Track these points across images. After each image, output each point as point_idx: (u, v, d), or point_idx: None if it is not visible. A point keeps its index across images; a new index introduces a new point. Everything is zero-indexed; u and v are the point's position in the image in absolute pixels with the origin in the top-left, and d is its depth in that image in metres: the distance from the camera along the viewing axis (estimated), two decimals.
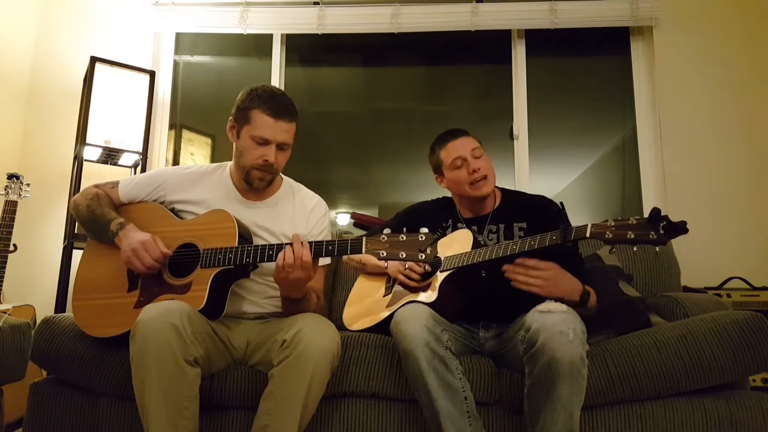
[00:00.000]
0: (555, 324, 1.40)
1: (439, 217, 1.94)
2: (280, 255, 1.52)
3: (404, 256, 1.42)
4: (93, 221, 1.73)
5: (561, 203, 1.55)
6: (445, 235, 1.89)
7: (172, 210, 1.78)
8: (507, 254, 1.61)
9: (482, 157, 1.88)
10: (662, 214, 1.38)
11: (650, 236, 1.38)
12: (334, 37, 3.21)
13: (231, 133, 1.76)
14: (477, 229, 1.88)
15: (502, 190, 1.98)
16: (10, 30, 3.05)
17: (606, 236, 1.44)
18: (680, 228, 1.37)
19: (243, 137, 1.71)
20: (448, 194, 2.02)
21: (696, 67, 2.97)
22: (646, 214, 3.12)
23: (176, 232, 1.69)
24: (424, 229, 1.44)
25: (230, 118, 1.75)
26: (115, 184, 1.82)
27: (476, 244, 1.75)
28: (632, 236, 1.41)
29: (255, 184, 1.74)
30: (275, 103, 1.69)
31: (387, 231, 1.45)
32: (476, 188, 1.84)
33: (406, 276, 1.80)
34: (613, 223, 1.44)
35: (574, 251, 1.78)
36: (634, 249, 1.45)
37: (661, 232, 1.38)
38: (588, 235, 1.47)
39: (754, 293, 2.50)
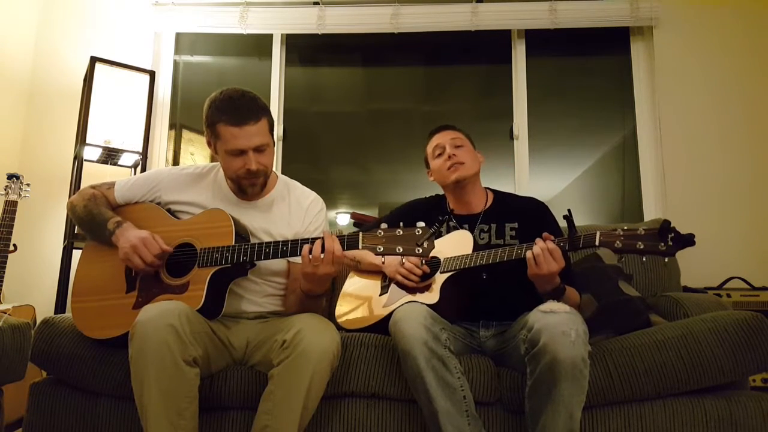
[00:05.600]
0: (557, 324, 1.40)
1: (432, 213, 1.93)
2: (305, 248, 1.51)
3: (401, 250, 1.42)
4: (90, 221, 1.73)
5: (569, 210, 1.56)
6: (441, 228, 1.88)
7: (168, 210, 1.77)
8: (512, 258, 1.62)
9: (463, 148, 1.93)
10: (671, 225, 1.42)
11: (659, 247, 1.42)
12: (334, 37, 3.21)
13: (210, 148, 1.72)
14: (468, 228, 1.89)
15: (494, 191, 2.01)
16: (10, 30, 3.05)
17: (615, 245, 1.47)
18: (688, 240, 1.41)
19: (219, 152, 1.68)
20: (441, 191, 2.05)
21: (696, 67, 2.97)
22: (646, 215, 3.14)
23: (173, 232, 1.69)
24: (421, 223, 1.44)
25: (204, 132, 1.71)
26: (111, 185, 1.82)
27: (476, 247, 1.75)
28: (641, 246, 1.44)
29: (248, 191, 1.73)
30: (235, 110, 1.61)
31: (384, 225, 1.45)
32: (451, 172, 1.89)
33: (405, 276, 1.79)
34: (622, 233, 1.47)
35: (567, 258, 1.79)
36: (644, 259, 1.48)
37: (670, 243, 1.41)
38: (597, 243, 1.50)
39: (754, 293, 2.50)
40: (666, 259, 1.43)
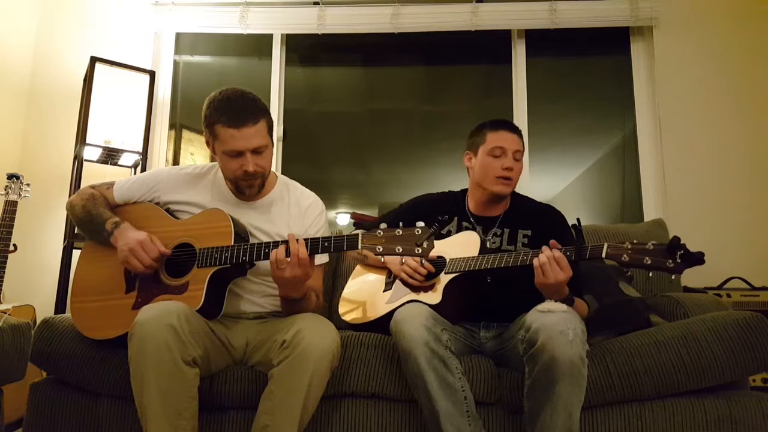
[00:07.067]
0: (555, 324, 1.40)
1: (446, 210, 1.89)
2: (273, 252, 1.52)
3: (401, 250, 1.41)
4: (89, 221, 1.72)
5: (578, 219, 1.55)
6: (442, 227, 1.86)
7: (168, 210, 1.77)
8: (518, 264, 1.61)
9: (519, 162, 1.87)
10: (681, 242, 1.39)
11: (667, 264, 1.40)
12: (334, 37, 3.21)
13: (209, 148, 1.71)
14: (483, 229, 1.87)
15: (512, 193, 1.96)
16: (10, 30, 3.05)
17: (622, 259, 1.45)
18: (697, 259, 1.38)
19: (218, 153, 1.67)
20: (454, 189, 2.02)
21: (696, 68, 2.97)
22: (646, 215, 3.13)
23: (172, 232, 1.69)
24: (420, 223, 1.43)
25: (203, 132, 1.70)
26: (110, 185, 1.81)
27: (484, 249, 1.74)
28: (649, 262, 1.42)
29: (246, 192, 1.72)
30: (233, 111, 1.60)
31: (383, 226, 1.45)
32: (498, 183, 1.82)
33: (409, 275, 1.78)
34: (630, 246, 1.45)
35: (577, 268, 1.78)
36: (650, 274, 1.45)
37: (678, 261, 1.39)
38: (604, 255, 1.48)
39: (754, 293, 2.50)
40: (672, 277, 1.41)
